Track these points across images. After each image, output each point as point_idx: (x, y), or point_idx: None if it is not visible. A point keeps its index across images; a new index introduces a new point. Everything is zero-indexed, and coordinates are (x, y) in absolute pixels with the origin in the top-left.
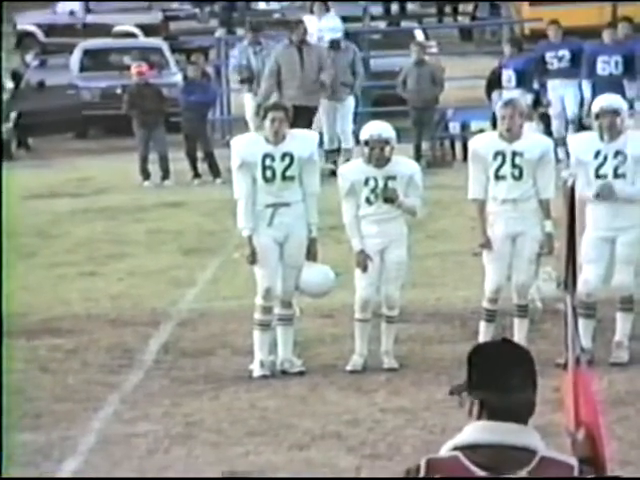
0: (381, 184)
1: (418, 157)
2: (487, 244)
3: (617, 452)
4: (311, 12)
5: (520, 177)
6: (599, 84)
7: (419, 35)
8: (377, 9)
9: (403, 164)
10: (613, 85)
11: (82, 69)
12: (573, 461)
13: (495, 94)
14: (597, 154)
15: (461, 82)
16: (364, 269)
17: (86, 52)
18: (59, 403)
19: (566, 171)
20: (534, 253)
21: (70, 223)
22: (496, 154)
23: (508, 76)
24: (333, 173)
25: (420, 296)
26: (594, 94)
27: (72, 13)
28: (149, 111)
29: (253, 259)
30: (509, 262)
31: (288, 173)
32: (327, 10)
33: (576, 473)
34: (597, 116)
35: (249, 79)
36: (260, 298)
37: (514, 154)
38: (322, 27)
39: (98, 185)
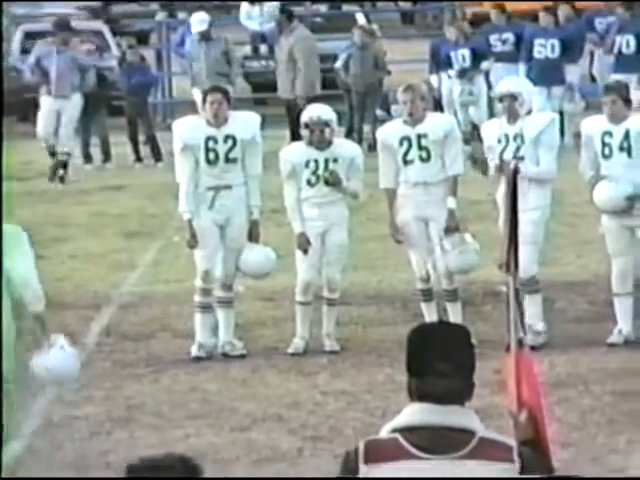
0: (322, 166)
1: (360, 140)
2: (395, 234)
3: (559, 434)
4: None
5: (428, 159)
6: (536, 67)
7: (361, 19)
8: None
9: (345, 147)
10: (549, 68)
11: (23, 51)
12: (512, 442)
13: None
14: (499, 138)
15: (403, 65)
16: (305, 251)
17: (27, 35)
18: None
19: (520, 153)
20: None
21: (13, 206)
22: (402, 140)
23: (457, 57)
24: None
25: (361, 278)
26: (530, 77)
27: (26, 1)
28: (91, 94)
29: (193, 243)
30: (427, 241)
31: (231, 155)
32: None
33: (515, 454)
34: (500, 99)
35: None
36: (199, 280)
37: (419, 137)
38: (264, 11)
39: (40, 168)
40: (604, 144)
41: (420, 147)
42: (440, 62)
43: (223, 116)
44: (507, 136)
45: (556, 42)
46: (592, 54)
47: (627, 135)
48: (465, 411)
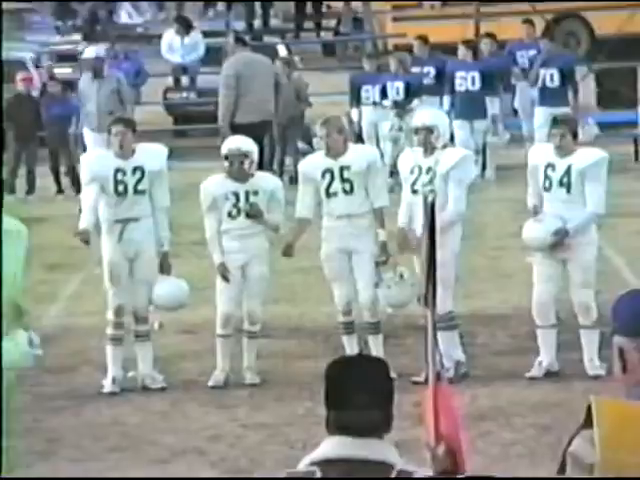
0: (243, 199)
1: (281, 172)
2: (288, 250)
3: (480, 466)
4: (173, 27)
5: (351, 191)
6: (458, 100)
7: (282, 50)
8: (240, 24)
9: (265, 179)
10: (471, 101)
11: None
12: (430, 474)
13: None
14: (412, 169)
15: (324, 97)
16: (226, 279)
17: None
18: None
19: (426, 188)
20: (372, 269)
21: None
22: (324, 172)
23: (392, 89)
24: None
25: (283, 311)
26: (454, 110)
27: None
28: (26, 124)
29: (86, 238)
30: (349, 274)
31: (139, 187)
32: (189, 27)
33: None
34: (415, 132)
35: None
36: (111, 314)
37: (342, 169)
38: (185, 43)
39: None
40: (546, 176)
41: (343, 179)
42: (359, 95)
43: (128, 147)
44: (420, 168)
45: (477, 75)
46: (514, 87)
47: (569, 171)
48: (383, 444)
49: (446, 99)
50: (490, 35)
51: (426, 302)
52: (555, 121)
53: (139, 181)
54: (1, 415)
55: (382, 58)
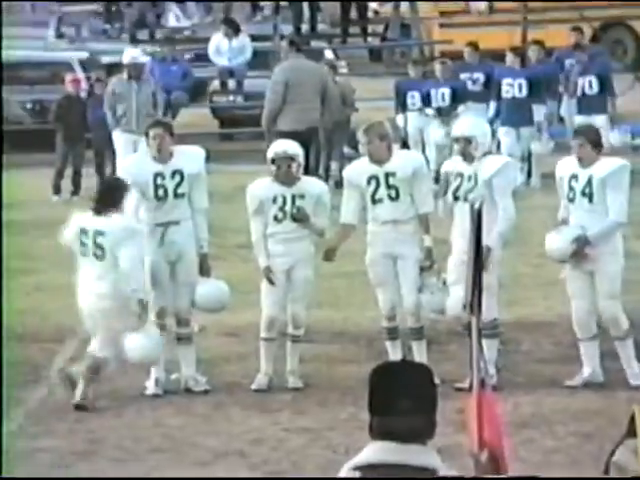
0: (290, 202)
1: (327, 177)
2: (329, 254)
3: (522, 474)
4: (220, 30)
5: (397, 197)
6: (504, 107)
7: (328, 55)
8: (287, 28)
9: (311, 183)
10: (517, 108)
11: None
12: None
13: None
14: (455, 176)
15: (370, 103)
16: (271, 282)
17: None
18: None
19: (472, 194)
20: (417, 274)
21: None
22: (369, 178)
23: (436, 96)
24: None
25: (326, 316)
26: (497, 116)
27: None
28: (75, 125)
29: None
30: (394, 279)
31: (179, 190)
32: (237, 30)
33: None
34: (455, 141)
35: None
36: (154, 316)
37: (387, 175)
38: (233, 47)
39: (7, 199)
40: (570, 187)
41: (389, 186)
42: (405, 101)
43: (167, 151)
44: (462, 175)
45: (524, 82)
46: (560, 95)
47: (590, 181)
48: (426, 450)
49: (492, 105)
50: (538, 42)
51: (472, 309)
52: (575, 132)
53: (179, 185)
54: (1, 415)
55: (428, 65)
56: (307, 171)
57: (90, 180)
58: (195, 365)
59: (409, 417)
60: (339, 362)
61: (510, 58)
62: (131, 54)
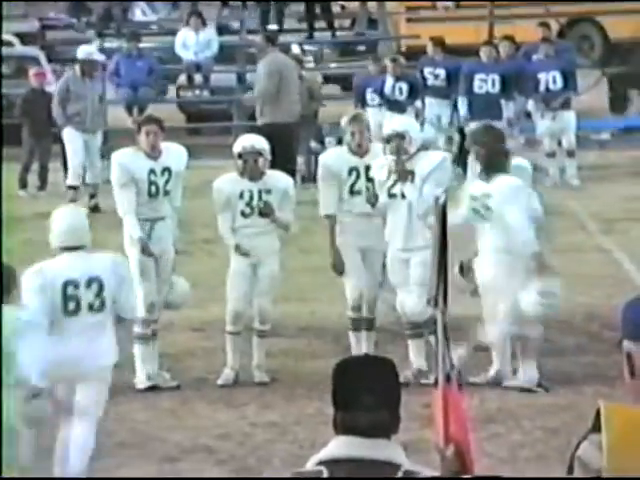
0: (256, 197)
1: (293, 172)
2: (338, 264)
3: (488, 469)
4: (187, 24)
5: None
6: (475, 102)
7: (295, 49)
8: (254, 23)
9: (277, 178)
10: (489, 104)
11: None
12: (437, 476)
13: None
14: (388, 175)
15: (337, 98)
16: (246, 255)
17: None
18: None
19: (438, 189)
20: (382, 269)
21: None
22: (350, 170)
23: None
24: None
25: (293, 310)
26: (470, 112)
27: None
28: (40, 120)
29: (150, 252)
30: (362, 270)
31: (167, 187)
32: (204, 24)
33: None
34: (387, 140)
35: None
36: (144, 312)
37: (367, 168)
38: (199, 41)
39: None
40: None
41: (368, 179)
42: (364, 97)
43: (159, 148)
44: (396, 172)
45: (497, 77)
46: (528, 90)
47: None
48: (390, 444)
49: (461, 101)
50: (508, 37)
51: (436, 303)
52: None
53: (167, 182)
54: (1, 416)
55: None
56: (286, 165)
57: (57, 175)
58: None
59: (373, 412)
60: (306, 357)
61: (485, 53)
62: (85, 50)
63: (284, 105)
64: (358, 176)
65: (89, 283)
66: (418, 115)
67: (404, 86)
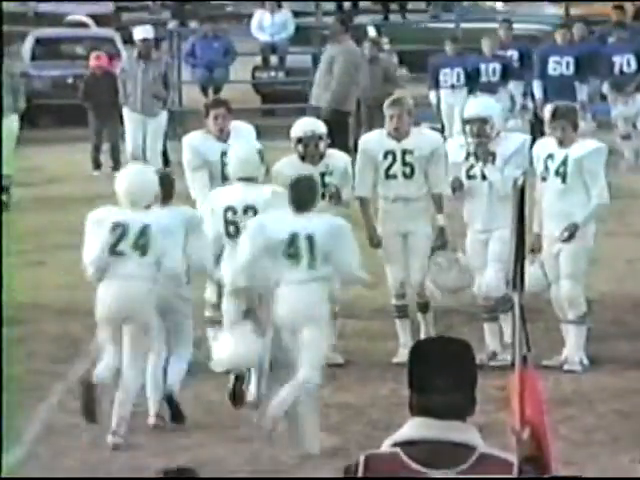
0: (319, 181)
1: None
2: (375, 239)
3: (562, 452)
4: (263, 6)
5: (411, 175)
6: (550, 84)
7: (371, 31)
8: (329, 5)
9: (335, 157)
10: (564, 86)
11: (34, 58)
12: (513, 459)
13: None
14: (467, 156)
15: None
16: None
17: (38, 41)
18: (4, 392)
19: (517, 170)
20: (427, 251)
21: (19, 212)
22: (386, 153)
23: (457, 74)
24: None
25: (366, 292)
26: (545, 94)
27: (24, 1)
28: (104, 102)
29: None
30: (404, 257)
31: None
32: (279, 5)
33: (515, 471)
34: (467, 122)
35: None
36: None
37: (404, 152)
38: (275, 22)
39: (48, 174)
40: (546, 167)
41: (404, 163)
42: (437, 78)
43: (227, 130)
44: (476, 154)
45: (571, 60)
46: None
47: (565, 161)
48: (466, 426)
49: (537, 83)
50: (582, 19)
51: (514, 285)
52: (554, 113)
53: None
54: (1, 416)
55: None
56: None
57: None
58: None
59: (449, 394)
60: (380, 338)
61: (560, 35)
62: (141, 32)
63: (351, 96)
64: (394, 160)
65: (245, 210)
66: (512, 98)
67: (497, 67)
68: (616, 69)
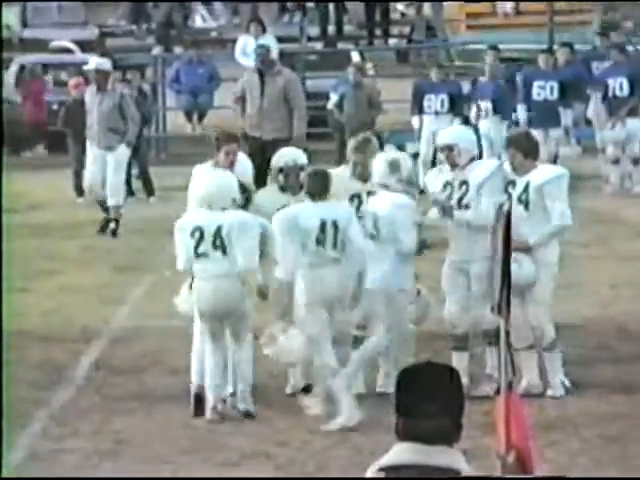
0: None
1: None
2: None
3: (548, 474)
4: (247, 31)
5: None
6: (534, 109)
7: (355, 57)
8: (314, 30)
9: None
10: (548, 110)
11: (18, 84)
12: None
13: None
14: (444, 185)
15: (397, 104)
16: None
17: (22, 67)
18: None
19: (502, 196)
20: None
21: (2, 238)
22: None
23: (441, 100)
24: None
25: None
26: (529, 118)
27: (8, 27)
28: (83, 129)
29: None
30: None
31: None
32: (264, 30)
33: None
34: (440, 150)
35: None
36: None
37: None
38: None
39: (32, 201)
40: (508, 195)
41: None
42: (422, 103)
43: (235, 164)
44: (451, 184)
45: (555, 84)
46: (587, 97)
47: (526, 188)
48: (451, 451)
49: (520, 107)
50: (566, 44)
51: (500, 311)
52: (506, 141)
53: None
54: (1, 416)
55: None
56: None
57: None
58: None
59: (435, 419)
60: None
61: (544, 60)
62: (93, 62)
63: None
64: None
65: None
66: (517, 121)
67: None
68: (609, 92)
